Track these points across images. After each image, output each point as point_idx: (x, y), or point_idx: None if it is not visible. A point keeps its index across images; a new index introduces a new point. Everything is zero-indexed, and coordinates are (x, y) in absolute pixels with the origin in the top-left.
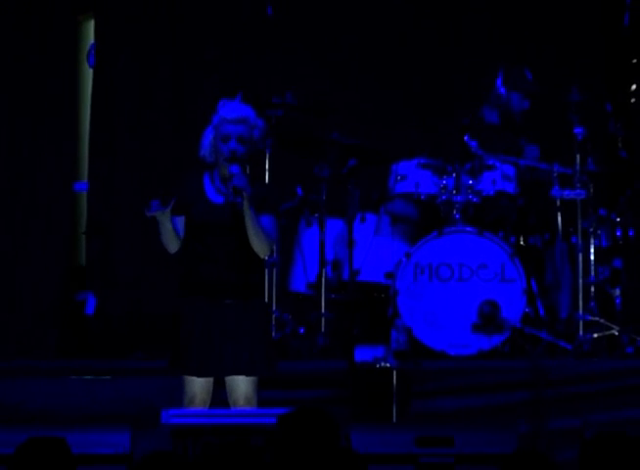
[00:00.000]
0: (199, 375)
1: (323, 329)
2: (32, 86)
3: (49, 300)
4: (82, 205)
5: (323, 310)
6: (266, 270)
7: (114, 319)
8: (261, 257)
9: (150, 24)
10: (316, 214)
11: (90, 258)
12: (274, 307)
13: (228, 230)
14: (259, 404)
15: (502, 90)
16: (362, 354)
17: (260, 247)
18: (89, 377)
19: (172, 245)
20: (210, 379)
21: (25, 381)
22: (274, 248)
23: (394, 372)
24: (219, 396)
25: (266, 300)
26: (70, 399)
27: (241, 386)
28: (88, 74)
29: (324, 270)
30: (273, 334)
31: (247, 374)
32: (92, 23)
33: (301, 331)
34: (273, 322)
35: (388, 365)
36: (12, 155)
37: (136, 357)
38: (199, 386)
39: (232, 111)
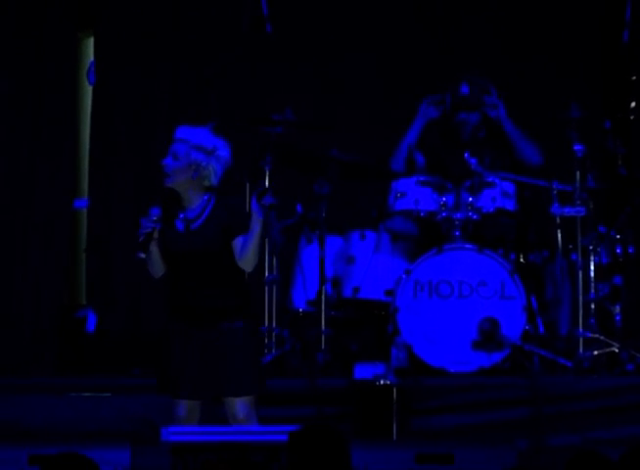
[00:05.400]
0: (178, 397)
1: (323, 346)
2: (32, 103)
3: (48, 317)
4: (82, 222)
5: (323, 328)
6: (266, 288)
7: (113, 336)
8: (247, 270)
9: (149, 42)
10: (316, 231)
11: (90, 275)
12: (274, 325)
13: (200, 256)
14: (260, 422)
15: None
16: (362, 372)
17: (253, 262)
18: (89, 394)
19: (158, 268)
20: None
21: (25, 398)
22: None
23: (395, 389)
24: (219, 413)
25: (266, 318)
26: (70, 417)
27: (237, 404)
28: (88, 92)
29: (324, 287)
30: (273, 351)
31: (231, 395)
32: (92, 41)
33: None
34: (273, 340)
35: (388, 382)
36: (11, 172)
37: (134, 374)
38: (185, 408)
39: (180, 131)
